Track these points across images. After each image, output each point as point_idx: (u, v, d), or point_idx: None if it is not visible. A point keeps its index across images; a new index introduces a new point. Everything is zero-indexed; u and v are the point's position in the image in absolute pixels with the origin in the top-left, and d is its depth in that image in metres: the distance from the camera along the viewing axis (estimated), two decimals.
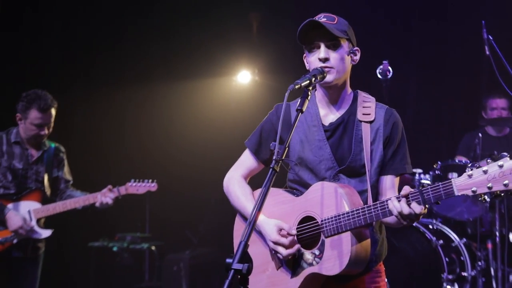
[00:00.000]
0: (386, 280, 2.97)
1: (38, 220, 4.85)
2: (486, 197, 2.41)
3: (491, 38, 5.00)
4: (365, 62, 6.03)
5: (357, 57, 2.93)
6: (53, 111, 4.84)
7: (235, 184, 3.07)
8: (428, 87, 7.43)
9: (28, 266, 4.86)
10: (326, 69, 2.80)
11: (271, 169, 2.47)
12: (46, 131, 4.84)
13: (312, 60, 2.85)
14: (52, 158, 5.00)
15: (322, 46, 2.81)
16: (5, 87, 6.40)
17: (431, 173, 5.45)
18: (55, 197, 5.02)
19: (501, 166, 2.34)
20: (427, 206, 2.53)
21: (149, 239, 6.61)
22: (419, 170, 5.52)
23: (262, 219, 2.87)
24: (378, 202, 2.64)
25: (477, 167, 2.39)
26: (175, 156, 7.47)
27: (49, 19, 7.39)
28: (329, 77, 2.81)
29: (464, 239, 5.56)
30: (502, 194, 2.36)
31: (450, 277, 5.08)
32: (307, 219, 2.81)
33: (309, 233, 2.78)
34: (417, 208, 2.51)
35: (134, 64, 7.71)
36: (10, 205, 4.76)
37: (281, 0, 7.65)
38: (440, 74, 7.40)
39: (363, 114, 2.89)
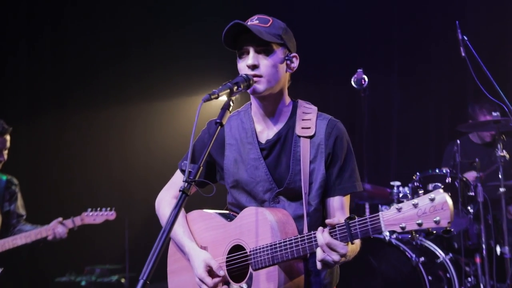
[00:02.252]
0: None
1: None
2: (417, 235, 2.08)
3: (466, 38, 4.70)
4: (348, 71, 5.89)
5: (295, 65, 2.62)
6: (8, 137, 4.61)
7: (166, 207, 2.80)
8: (413, 95, 7.12)
9: None
10: (255, 78, 2.49)
11: (180, 193, 2.17)
12: (4, 157, 4.65)
13: (241, 67, 2.55)
14: (4, 191, 4.75)
15: (251, 52, 2.51)
16: None
17: (410, 185, 5.10)
18: (6, 233, 4.71)
19: (432, 200, 2.04)
20: (354, 242, 2.21)
21: (120, 270, 6.28)
22: (397, 183, 5.16)
23: (192, 247, 2.61)
24: (306, 233, 2.32)
25: (408, 199, 2.07)
26: (153, 180, 7.13)
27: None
28: (258, 87, 2.51)
29: (450, 254, 5.20)
30: (434, 232, 2.05)
31: None
32: (238, 247, 2.51)
33: (238, 264, 2.50)
34: (339, 246, 2.20)
35: (111, 86, 7.43)
36: None
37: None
38: (424, 81, 7.12)
39: (302, 128, 2.58)
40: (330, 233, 2.22)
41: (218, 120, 2.34)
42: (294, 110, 2.64)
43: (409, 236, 2.10)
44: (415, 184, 5.09)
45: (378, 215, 2.14)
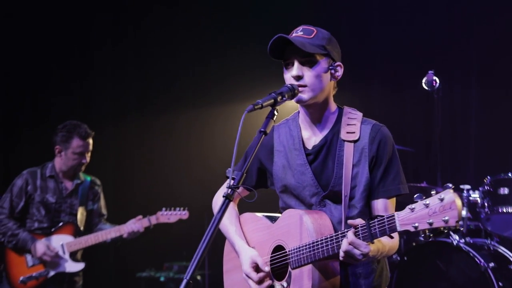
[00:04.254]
0: None
1: (72, 254, 4.89)
2: (429, 234, 2.13)
3: None
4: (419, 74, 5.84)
5: (339, 73, 2.70)
6: (91, 141, 4.98)
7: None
8: (492, 97, 6.93)
9: None
10: (300, 88, 2.61)
11: (224, 198, 2.32)
12: (87, 159, 4.96)
13: (287, 78, 2.67)
14: (88, 191, 5.07)
15: (296, 63, 2.62)
16: (50, 121, 6.53)
17: (480, 189, 5.03)
18: (89, 231, 5.06)
19: (441, 200, 2.08)
20: (373, 242, 2.30)
21: (199, 267, 6.51)
22: (467, 186, 5.09)
23: (241, 245, 2.79)
24: (335, 234, 2.43)
25: (422, 199, 2.12)
26: (214, 182, 7.28)
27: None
28: (303, 96, 2.62)
29: None
30: (446, 231, 2.09)
31: None
32: (280, 248, 2.68)
33: (280, 263, 2.66)
34: (362, 246, 2.30)
35: (163, 93, 7.65)
36: (43, 239, 4.83)
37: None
38: (504, 83, 6.91)
39: (347, 132, 2.66)
40: (354, 233, 2.32)
41: (262, 129, 2.46)
42: (339, 116, 2.72)
43: (422, 235, 2.15)
44: (486, 188, 5.02)
45: (393, 215, 2.21)
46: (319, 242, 2.46)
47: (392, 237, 2.32)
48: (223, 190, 3.00)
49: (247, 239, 2.83)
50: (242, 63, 7.36)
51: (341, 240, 2.37)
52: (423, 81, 5.67)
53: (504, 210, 4.89)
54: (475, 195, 5.02)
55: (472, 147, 6.93)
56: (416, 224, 2.13)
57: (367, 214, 2.64)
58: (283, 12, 7.16)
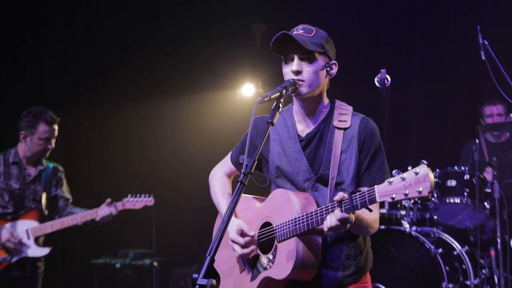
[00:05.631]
0: None
1: (36, 239, 4.89)
2: (405, 204, 2.41)
3: (486, 43, 4.97)
4: (367, 71, 6.15)
5: (334, 71, 2.91)
6: (56, 127, 4.98)
7: (217, 180, 3.22)
8: (432, 94, 7.38)
9: (28, 286, 4.90)
10: (299, 82, 2.80)
11: (239, 183, 2.50)
12: (52, 145, 4.96)
13: (286, 72, 2.86)
14: (51, 177, 5.06)
15: (296, 59, 2.81)
16: (7, 108, 6.48)
17: None
18: (55, 215, 5.07)
19: (416, 173, 2.34)
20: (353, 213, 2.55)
21: (152, 255, 6.63)
22: None
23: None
24: (319, 208, 2.67)
25: (399, 173, 2.39)
26: (181, 170, 7.53)
27: (52, 36, 7.53)
28: (301, 89, 2.81)
29: (466, 247, 5.49)
30: (419, 201, 2.36)
31: (450, 286, 5.01)
32: (267, 224, 2.90)
33: (266, 238, 2.88)
34: (342, 215, 2.53)
35: (139, 80, 7.82)
36: (7, 225, 4.81)
37: (284, 12, 7.68)
38: (443, 81, 7.36)
39: (339, 120, 2.88)
40: (337, 206, 2.55)
41: (269, 120, 2.65)
42: (331, 109, 2.94)
43: (399, 205, 2.44)
44: (435, 180, 5.39)
45: (373, 188, 2.46)
46: (304, 216, 2.69)
47: (370, 210, 2.56)
48: (222, 165, 3.25)
49: (237, 217, 3.02)
50: (209, 52, 7.51)
51: (325, 214, 2.60)
52: (376, 79, 5.95)
53: (451, 201, 5.27)
54: None
55: (413, 142, 7.37)
56: (394, 195, 2.38)
57: None
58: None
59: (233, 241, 2.89)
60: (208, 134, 7.80)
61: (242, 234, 2.88)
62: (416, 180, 2.32)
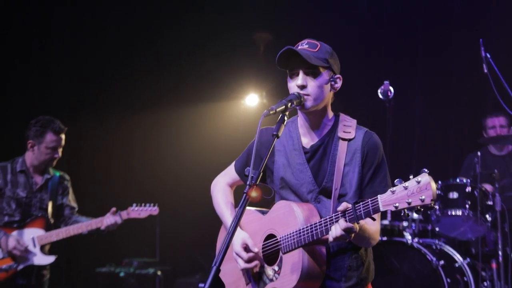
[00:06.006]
0: None
1: (42, 247, 4.94)
2: (408, 212, 2.44)
3: (489, 56, 5.02)
4: (370, 82, 6.20)
5: (338, 85, 2.96)
6: (63, 136, 5.04)
7: (219, 191, 3.25)
8: (435, 106, 7.43)
9: None
10: (304, 96, 2.86)
11: (244, 195, 2.54)
12: (59, 154, 5.02)
13: (292, 86, 2.91)
14: (57, 185, 5.12)
15: (301, 73, 2.86)
16: (14, 117, 6.55)
17: None
18: (61, 224, 5.12)
19: (418, 182, 2.38)
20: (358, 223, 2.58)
21: (156, 264, 6.68)
22: None
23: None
24: (323, 219, 2.70)
25: (401, 183, 2.42)
26: (185, 179, 7.58)
27: (59, 46, 7.63)
28: (306, 103, 2.86)
29: (468, 259, 5.51)
30: (422, 209, 2.39)
31: None
32: (271, 236, 2.94)
33: (271, 250, 2.92)
34: (347, 225, 2.56)
35: (144, 90, 7.91)
36: (14, 233, 4.86)
37: (287, 21, 7.75)
38: (446, 94, 7.41)
39: (344, 132, 2.93)
40: (341, 216, 2.59)
41: (274, 132, 2.71)
42: (336, 123, 2.99)
43: (402, 214, 2.47)
44: (437, 192, 5.42)
45: (377, 198, 2.50)
46: (308, 227, 2.73)
47: (374, 219, 2.59)
48: (224, 175, 3.28)
49: (242, 230, 3.04)
50: (217, 62, 7.60)
51: (330, 224, 2.64)
52: (379, 90, 6.00)
53: (453, 213, 5.32)
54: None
55: (415, 154, 7.41)
56: (397, 204, 2.42)
57: None
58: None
59: (237, 255, 2.93)
60: (212, 144, 7.86)
61: (246, 248, 2.92)
62: (418, 188, 2.36)
